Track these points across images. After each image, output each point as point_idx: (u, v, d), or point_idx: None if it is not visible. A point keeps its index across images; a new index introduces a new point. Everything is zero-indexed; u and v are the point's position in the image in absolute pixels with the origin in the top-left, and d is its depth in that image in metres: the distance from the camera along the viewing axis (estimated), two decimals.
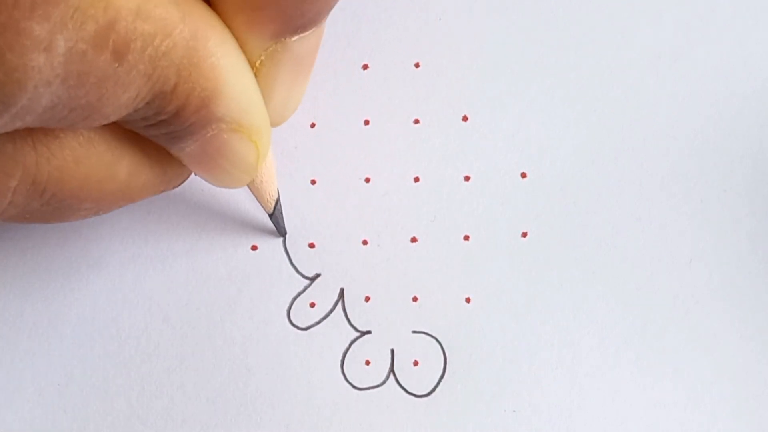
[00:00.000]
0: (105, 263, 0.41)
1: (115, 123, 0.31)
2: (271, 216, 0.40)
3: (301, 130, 0.41)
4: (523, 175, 0.41)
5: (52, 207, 0.33)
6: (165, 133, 0.32)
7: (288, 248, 0.41)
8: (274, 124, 0.35)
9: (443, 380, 0.40)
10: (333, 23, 0.42)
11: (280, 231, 0.40)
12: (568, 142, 0.41)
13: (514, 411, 0.40)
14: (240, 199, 0.41)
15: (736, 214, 0.41)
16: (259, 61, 0.33)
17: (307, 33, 0.33)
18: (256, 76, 0.33)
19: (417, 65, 0.42)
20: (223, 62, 0.31)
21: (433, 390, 0.40)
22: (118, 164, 0.33)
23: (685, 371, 0.40)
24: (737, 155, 0.41)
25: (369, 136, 0.41)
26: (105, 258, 0.41)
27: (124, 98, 0.29)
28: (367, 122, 0.41)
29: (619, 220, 0.41)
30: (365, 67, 0.42)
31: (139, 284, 0.40)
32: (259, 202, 0.39)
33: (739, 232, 0.41)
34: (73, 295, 0.40)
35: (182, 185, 0.38)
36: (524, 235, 0.41)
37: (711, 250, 0.41)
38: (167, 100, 0.30)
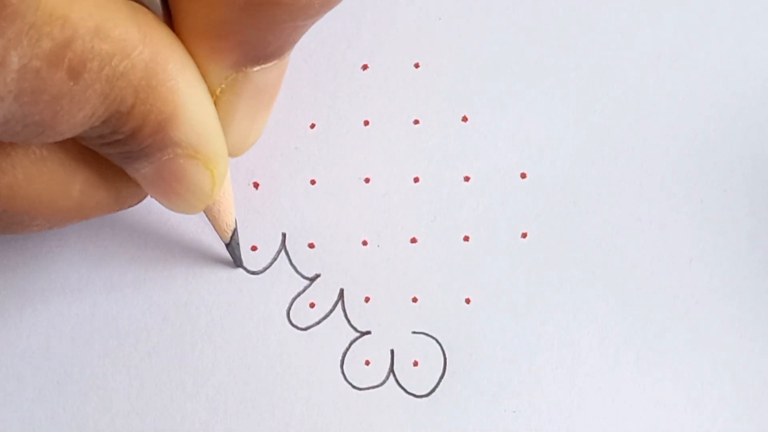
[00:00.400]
0: (105, 263, 0.40)
1: (70, 139, 0.30)
2: (227, 245, 0.39)
3: (301, 131, 0.41)
4: (523, 176, 0.41)
5: (2, 222, 0.32)
6: (120, 152, 0.31)
7: (288, 248, 0.41)
8: (232, 155, 0.34)
9: (443, 381, 0.40)
10: (333, 23, 0.42)
11: (237, 262, 0.40)
12: (567, 142, 0.41)
13: (514, 411, 0.40)
14: (239, 198, 0.41)
15: (736, 214, 0.41)
16: (219, 90, 0.32)
17: (269, 64, 0.33)
18: (215, 104, 0.32)
19: (417, 65, 0.42)
20: (182, 86, 0.30)
21: (433, 390, 0.40)
22: (71, 182, 0.32)
23: (685, 371, 0.40)
24: (737, 155, 0.41)
25: (369, 137, 0.41)
26: (105, 258, 0.41)
27: (79, 116, 0.28)
28: (366, 122, 0.41)
29: (619, 220, 0.41)
30: (365, 67, 0.42)
31: (139, 284, 0.40)
32: (216, 231, 0.39)
33: (739, 232, 0.41)
34: (73, 295, 0.40)
35: None
36: (524, 235, 0.41)
37: (711, 250, 0.41)
38: (123, 121, 0.29)
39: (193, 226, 0.41)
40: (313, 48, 0.41)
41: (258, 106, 0.34)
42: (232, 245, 0.39)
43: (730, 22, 0.42)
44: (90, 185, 0.33)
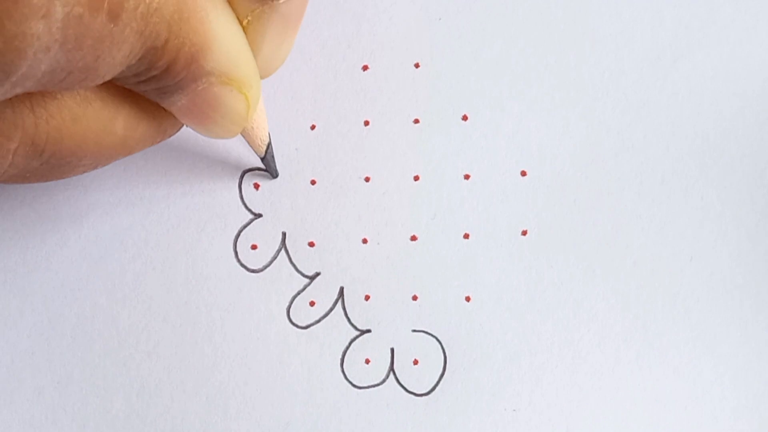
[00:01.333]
0: (105, 263, 0.40)
1: (109, 81, 0.31)
2: (263, 159, 0.40)
3: (301, 132, 0.41)
4: (523, 174, 0.41)
5: (51, 165, 0.33)
6: (156, 88, 0.32)
7: (288, 247, 0.41)
8: (263, 76, 0.35)
9: (443, 379, 0.40)
10: (333, 24, 0.42)
11: (272, 173, 0.41)
12: (568, 140, 0.41)
13: (514, 410, 0.40)
14: (238, 197, 0.41)
15: (736, 212, 0.41)
16: (246, 21, 0.33)
17: None
18: (244, 32, 0.34)
19: (417, 65, 0.42)
20: (212, 16, 0.31)
21: (433, 389, 0.40)
22: (114, 120, 0.33)
23: (685, 369, 0.40)
24: (737, 153, 0.41)
25: (369, 137, 0.41)
26: (105, 257, 0.41)
27: (118, 57, 0.29)
28: (367, 123, 0.41)
29: (619, 218, 0.41)
30: (365, 67, 0.42)
31: (139, 284, 0.40)
32: (251, 146, 0.39)
33: (739, 230, 0.41)
34: (73, 294, 0.40)
35: (181, 190, 0.40)
36: (524, 233, 0.41)
37: (711, 248, 0.41)
38: (158, 56, 0.30)
39: (193, 226, 0.41)
40: (314, 49, 0.42)
41: (285, 32, 0.35)
42: (267, 158, 0.40)
43: (730, 22, 0.42)
44: (132, 120, 0.34)
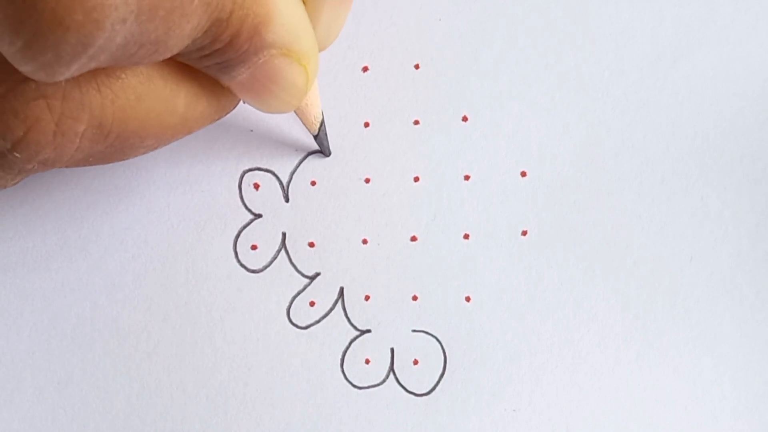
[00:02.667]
0: (105, 262, 0.40)
1: (170, 58, 0.32)
2: (316, 137, 0.40)
3: (302, 133, 0.41)
4: (523, 174, 0.41)
5: (114, 148, 0.33)
6: (218, 62, 0.33)
7: (288, 247, 0.41)
8: (320, 49, 0.36)
9: (443, 379, 0.40)
10: None
11: (325, 151, 0.41)
12: (568, 140, 0.41)
13: (514, 410, 0.40)
14: (238, 197, 0.41)
15: (736, 213, 0.41)
16: None
17: None
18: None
19: (417, 66, 0.42)
20: None
21: (433, 389, 0.40)
22: (176, 98, 0.34)
23: (685, 369, 0.40)
24: (737, 154, 0.41)
25: (369, 138, 0.41)
26: (105, 257, 0.41)
27: (187, 29, 0.29)
28: (367, 124, 0.41)
29: (619, 218, 0.41)
30: (365, 69, 0.42)
31: (139, 284, 0.40)
32: (304, 124, 0.40)
33: (739, 230, 0.41)
34: (73, 294, 0.40)
35: (177, 185, 0.40)
36: (524, 233, 0.41)
37: (711, 249, 0.41)
38: (223, 28, 0.31)
39: (193, 226, 0.41)
40: None
41: (341, 5, 0.36)
42: (320, 136, 0.40)
43: (730, 21, 0.42)
44: (192, 98, 0.34)
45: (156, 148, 0.35)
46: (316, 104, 0.39)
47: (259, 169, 0.41)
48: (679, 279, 0.40)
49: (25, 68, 0.27)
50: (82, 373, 0.40)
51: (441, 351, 0.40)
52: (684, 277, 0.40)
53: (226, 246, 0.41)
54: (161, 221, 0.41)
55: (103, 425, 0.40)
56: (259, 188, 0.41)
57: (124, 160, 0.35)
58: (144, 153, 0.35)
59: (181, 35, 0.29)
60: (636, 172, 0.41)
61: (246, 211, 0.41)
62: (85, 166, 0.34)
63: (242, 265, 0.41)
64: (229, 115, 0.41)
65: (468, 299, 0.40)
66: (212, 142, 0.41)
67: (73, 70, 0.28)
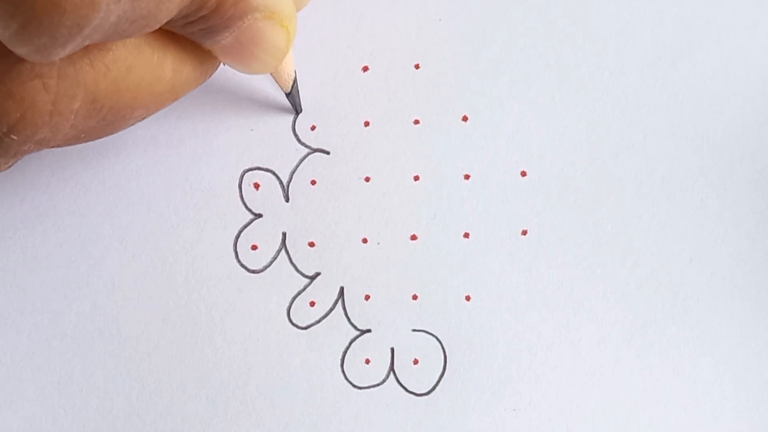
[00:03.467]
0: (105, 262, 0.40)
1: None
2: (288, 95, 0.41)
3: (302, 133, 0.41)
4: (523, 174, 0.41)
5: (107, 122, 0.34)
6: (203, 28, 0.33)
7: (288, 247, 0.41)
8: (297, 9, 0.36)
9: (443, 379, 0.40)
10: (333, 25, 0.42)
11: (297, 109, 0.41)
12: (568, 140, 0.41)
13: (514, 409, 0.40)
14: (238, 197, 0.41)
15: (736, 213, 0.41)
16: None
17: None
18: None
19: (417, 66, 0.42)
20: None
21: (433, 388, 0.40)
22: (163, 65, 0.34)
23: (685, 369, 0.40)
24: (737, 154, 0.41)
25: (369, 137, 0.41)
26: (105, 258, 0.41)
27: (176, 1, 0.30)
28: (367, 123, 0.41)
29: (619, 218, 0.41)
30: (365, 68, 0.42)
31: (139, 284, 0.40)
32: (278, 82, 0.40)
33: (739, 231, 0.41)
34: (73, 295, 0.40)
35: (177, 185, 0.40)
36: (524, 232, 0.41)
37: (711, 249, 0.41)
38: None
39: (193, 225, 0.41)
40: (314, 50, 0.42)
41: None
42: (293, 93, 0.41)
43: (730, 21, 0.42)
44: (178, 63, 0.35)
45: (144, 118, 0.36)
46: (290, 62, 0.39)
47: (259, 168, 0.41)
48: (679, 279, 0.40)
49: (21, 51, 0.27)
50: (82, 373, 0.40)
51: (441, 350, 0.40)
52: (684, 277, 0.40)
53: (226, 246, 0.41)
54: (161, 221, 0.41)
55: (103, 425, 0.40)
56: (259, 188, 0.41)
57: (113, 133, 0.35)
58: (132, 124, 0.35)
59: (170, 8, 0.30)
60: (636, 172, 0.41)
61: (246, 211, 0.41)
62: (77, 143, 0.34)
63: (242, 265, 0.41)
64: (229, 115, 0.41)
65: (468, 299, 0.40)
66: (212, 141, 0.41)
67: (68, 50, 0.28)
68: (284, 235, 0.41)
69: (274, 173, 0.41)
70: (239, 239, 0.41)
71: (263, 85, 0.40)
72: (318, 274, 0.41)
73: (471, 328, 0.40)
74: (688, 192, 0.41)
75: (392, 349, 0.40)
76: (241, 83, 0.41)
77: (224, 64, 0.36)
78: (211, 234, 0.41)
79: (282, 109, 0.41)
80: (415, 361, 0.40)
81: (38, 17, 0.26)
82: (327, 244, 0.41)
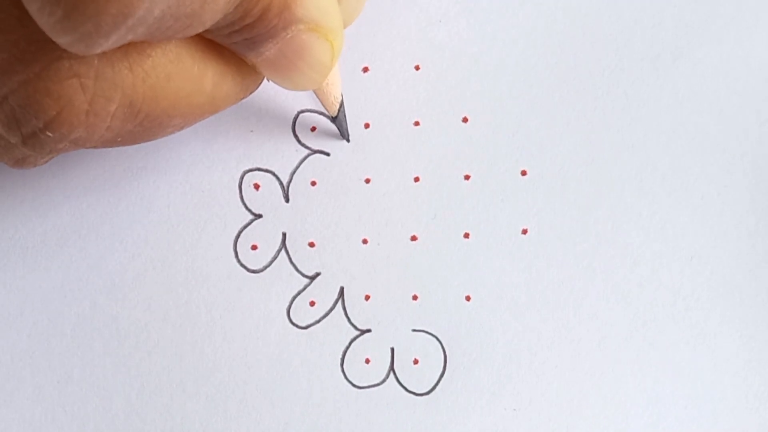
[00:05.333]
0: (105, 263, 0.41)
1: (198, 36, 0.32)
2: (334, 120, 0.41)
3: (302, 134, 0.41)
4: (523, 173, 0.41)
5: (144, 127, 0.34)
6: (247, 38, 0.33)
7: (288, 247, 0.41)
8: (344, 25, 0.36)
9: (443, 379, 0.40)
10: None
11: (344, 134, 0.41)
12: (568, 139, 0.41)
13: (514, 409, 0.40)
14: (238, 199, 0.41)
15: (736, 211, 0.41)
16: None
17: None
18: None
19: (417, 68, 0.42)
20: None
21: (433, 388, 0.40)
22: (204, 77, 0.34)
23: (685, 369, 0.40)
24: (738, 152, 0.41)
25: (369, 138, 0.41)
26: (105, 257, 0.41)
27: (221, 3, 0.30)
28: (367, 125, 0.41)
29: (619, 217, 0.41)
30: (365, 70, 0.42)
31: (139, 284, 0.40)
32: (324, 105, 0.40)
33: (739, 229, 0.41)
34: (73, 294, 0.40)
35: (177, 186, 0.40)
36: (524, 232, 0.41)
37: (712, 247, 0.41)
38: (255, 2, 0.31)
39: (193, 226, 0.41)
40: None
41: None
42: (339, 118, 0.41)
43: (730, 20, 0.42)
44: (219, 77, 0.35)
45: (183, 128, 0.36)
46: (337, 84, 0.39)
47: (259, 169, 0.41)
48: (680, 278, 0.40)
49: (63, 40, 0.27)
50: (81, 373, 0.40)
51: (441, 350, 0.40)
52: (684, 276, 0.40)
53: (226, 246, 0.41)
54: (161, 221, 0.41)
55: (103, 425, 0.40)
56: (259, 188, 0.41)
57: (151, 140, 0.35)
58: (171, 133, 0.35)
59: (215, 9, 0.30)
60: (636, 171, 0.41)
61: (246, 211, 0.41)
62: (113, 146, 0.35)
63: (242, 265, 0.41)
64: (229, 116, 0.41)
65: (468, 298, 0.40)
66: (212, 142, 0.41)
67: (111, 41, 0.28)
68: (284, 235, 0.41)
69: (274, 174, 0.41)
70: (239, 239, 0.41)
71: (263, 86, 0.40)
72: (318, 274, 0.41)
73: (471, 328, 0.40)
74: (689, 191, 0.41)
75: (392, 349, 0.40)
76: None
77: (268, 80, 0.36)
78: (211, 234, 0.41)
79: (282, 109, 0.41)
80: (415, 361, 0.40)
81: (84, 3, 0.26)
82: (327, 245, 0.41)
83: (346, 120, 0.41)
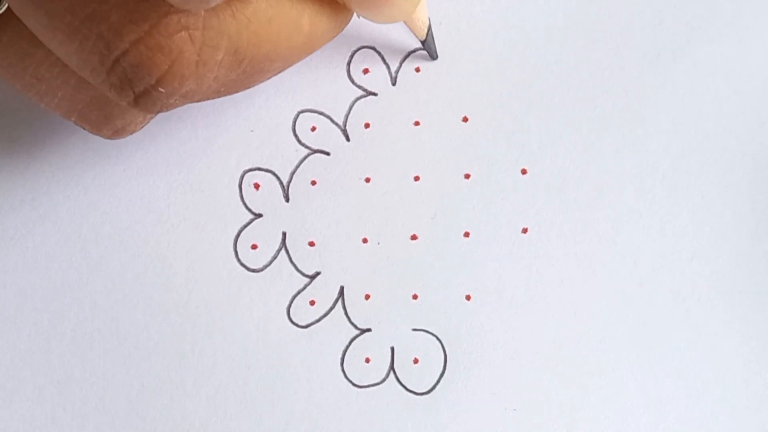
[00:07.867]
0: (105, 263, 0.41)
1: None
2: (423, 42, 0.41)
3: (302, 134, 0.41)
4: (524, 171, 0.41)
5: (246, 74, 0.34)
6: None
7: (288, 246, 0.41)
8: None
9: (443, 378, 0.40)
10: None
11: (432, 55, 0.42)
12: (568, 138, 0.41)
13: (514, 409, 0.40)
14: (238, 197, 0.41)
15: (737, 211, 0.41)
16: None
17: None
18: None
19: (417, 70, 0.42)
20: None
21: (433, 388, 0.40)
22: (301, 17, 0.35)
23: (686, 369, 0.40)
24: (738, 152, 0.41)
25: (369, 138, 0.41)
26: (105, 258, 0.41)
27: None
28: (367, 125, 0.41)
29: (619, 216, 0.41)
30: (366, 71, 0.42)
31: (139, 284, 0.40)
32: (413, 30, 0.40)
33: (740, 229, 0.41)
34: (73, 295, 0.40)
35: (177, 186, 0.40)
36: (525, 231, 0.41)
37: (712, 247, 0.41)
38: None
39: (193, 226, 0.41)
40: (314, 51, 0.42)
41: None
42: (428, 40, 0.41)
43: (730, 19, 0.42)
44: (315, 15, 0.35)
45: (281, 71, 0.36)
46: (423, 9, 0.40)
47: (259, 169, 0.41)
48: (680, 278, 0.40)
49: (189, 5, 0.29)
50: (81, 373, 0.40)
51: (441, 350, 0.40)
52: (685, 276, 0.40)
53: (226, 246, 0.41)
54: (161, 221, 0.41)
55: (102, 425, 0.40)
56: (259, 188, 0.41)
57: (251, 86, 0.36)
58: (270, 77, 0.36)
59: None
60: (636, 170, 0.41)
61: (246, 211, 0.41)
62: (216, 97, 0.35)
63: (242, 265, 0.41)
64: (229, 116, 0.41)
65: (468, 298, 0.40)
66: (212, 142, 0.41)
67: None
68: (284, 234, 0.41)
69: (274, 173, 0.41)
70: (239, 239, 0.41)
71: (263, 85, 0.40)
72: (318, 273, 0.41)
73: (471, 327, 0.40)
74: (689, 190, 0.41)
75: (392, 348, 0.40)
76: None
77: (358, 17, 0.37)
78: (211, 234, 0.41)
79: (282, 109, 0.41)
80: (415, 361, 0.40)
81: None
82: (327, 244, 0.41)
83: (434, 41, 0.41)
